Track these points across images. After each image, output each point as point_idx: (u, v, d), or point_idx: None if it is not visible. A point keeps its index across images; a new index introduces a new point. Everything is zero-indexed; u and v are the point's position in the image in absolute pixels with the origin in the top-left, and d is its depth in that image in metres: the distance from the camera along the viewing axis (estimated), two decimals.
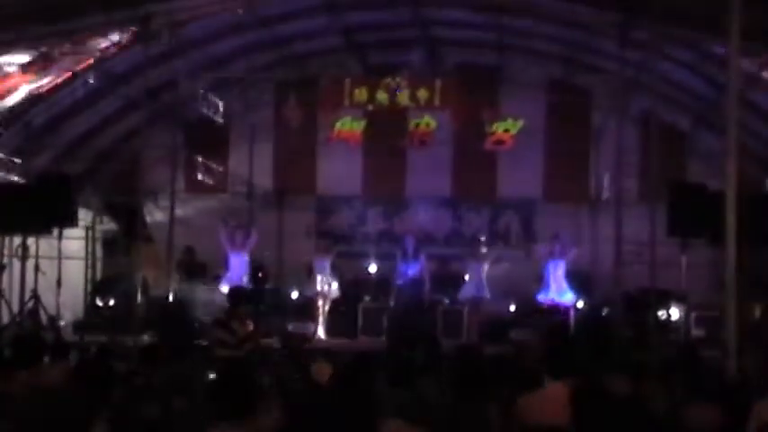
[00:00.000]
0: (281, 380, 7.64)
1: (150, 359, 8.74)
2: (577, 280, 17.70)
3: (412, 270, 17.85)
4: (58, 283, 16.33)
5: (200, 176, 20.57)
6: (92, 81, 16.92)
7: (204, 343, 13.21)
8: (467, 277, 17.81)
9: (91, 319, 18.19)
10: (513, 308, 18.27)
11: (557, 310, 17.24)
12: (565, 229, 18.34)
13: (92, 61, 16.42)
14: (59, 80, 16.55)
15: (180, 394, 7.22)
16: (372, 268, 18.98)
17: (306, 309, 17.91)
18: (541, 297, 17.36)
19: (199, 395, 7.01)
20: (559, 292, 17.15)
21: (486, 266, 17.61)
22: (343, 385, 5.75)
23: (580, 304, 17.71)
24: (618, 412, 4.89)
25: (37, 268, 15.99)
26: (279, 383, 7.29)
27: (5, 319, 16.31)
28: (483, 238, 18.34)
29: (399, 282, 17.98)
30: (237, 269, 17.73)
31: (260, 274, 18.16)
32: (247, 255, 17.94)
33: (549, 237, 18.09)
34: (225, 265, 18.00)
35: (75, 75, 16.59)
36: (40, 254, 16.31)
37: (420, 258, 17.93)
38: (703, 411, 5.79)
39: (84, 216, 18.25)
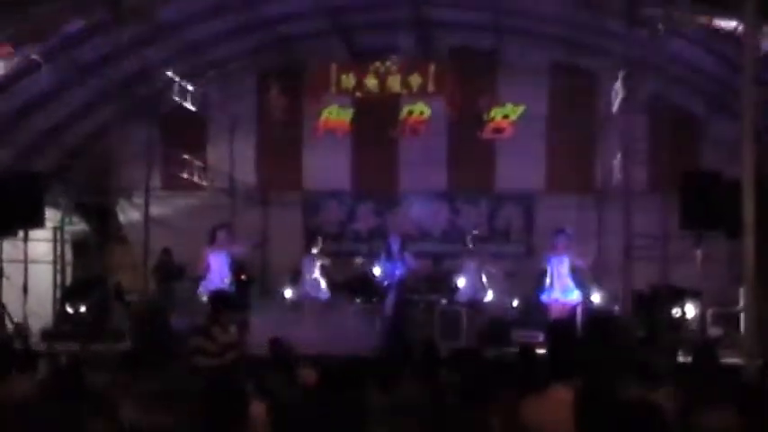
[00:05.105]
0: (267, 387, 7.65)
1: (126, 369, 8.73)
2: (583, 277, 17.69)
3: (398, 270, 17.78)
4: (25, 288, 16.30)
5: (177, 173, 20.55)
6: (59, 70, 16.90)
7: (183, 352, 13.19)
8: (462, 276, 17.80)
9: (61, 326, 18.18)
10: (514, 308, 18.28)
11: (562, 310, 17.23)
12: (569, 223, 18.32)
13: (59, 49, 16.39)
14: (24, 69, 16.52)
15: (159, 406, 7.21)
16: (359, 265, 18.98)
17: (293, 312, 17.90)
18: (545, 297, 17.33)
19: (179, 407, 7.00)
20: (564, 291, 17.12)
21: (483, 264, 17.63)
22: (331, 390, 5.78)
23: (601, 299, 17.72)
24: (627, 417, 4.89)
25: (0, 273, 15.97)
26: (265, 391, 7.30)
27: None
28: (476, 232, 18.37)
29: (386, 283, 17.90)
30: (218, 270, 17.64)
31: (243, 276, 18.12)
32: (228, 254, 17.83)
33: (551, 231, 18.04)
34: (205, 265, 17.92)
35: (40, 63, 16.56)
36: (4, 257, 16.29)
37: (405, 258, 17.82)
38: (720, 417, 5.81)
39: (52, 216, 18.23)
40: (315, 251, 18.21)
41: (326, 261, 18.23)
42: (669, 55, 16.64)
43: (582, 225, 19.15)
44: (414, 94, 18.96)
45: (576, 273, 17.30)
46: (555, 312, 16.99)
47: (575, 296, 17.06)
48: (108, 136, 19.30)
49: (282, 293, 18.71)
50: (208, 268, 17.07)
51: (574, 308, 17.06)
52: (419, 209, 20.54)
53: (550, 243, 17.44)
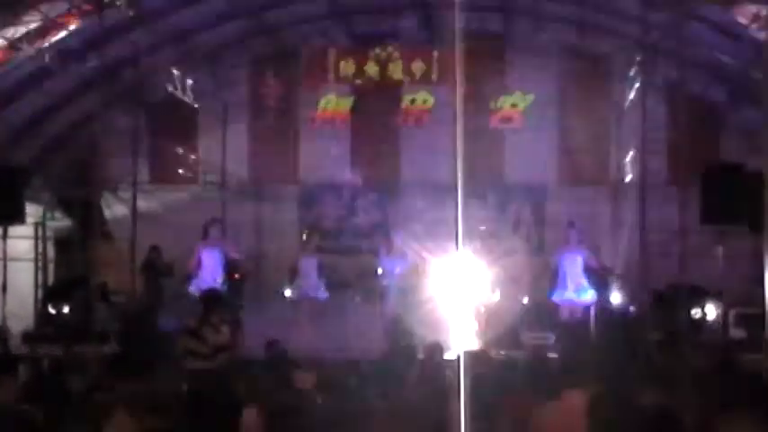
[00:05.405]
0: (262, 391, 7.67)
1: (112, 373, 8.73)
2: (597, 275, 17.65)
3: (400, 267, 17.74)
4: (4, 288, 16.30)
5: (165, 165, 20.54)
6: (40, 57, 16.88)
7: (173, 354, 13.19)
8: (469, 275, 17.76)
9: (43, 328, 18.15)
10: (524, 308, 18.25)
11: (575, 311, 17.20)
12: (583, 217, 18.29)
13: (41, 34, 16.38)
14: (2, 56, 16.52)
15: (147, 412, 7.22)
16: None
17: (290, 313, 17.90)
18: (557, 297, 17.30)
19: (168, 412, 7.02)
20: (577, 291, 17.08)
21: (492, 261, 17.62)
22: (330, 395, 5.81)
23: (616, 299, 17.70)
24: (645, 425, 4.90)
25: None
26: (259, 395, 7.32)
27: None
28: (483, 228, 18.36)
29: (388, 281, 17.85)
30: (210, 268, 17.60)
31: (236, 275, 18.11)
32: (222, 252, 17.79)
33: (563, 226, 17.99)
34: (196, 261, 17.87)
35: (20, 50, 16.55)
36: None
37: (408, 254, 17.75)
38: (742, 423, 5.80)
39: (32, 212, 18.20)
40: (311, 248, 18.21)
41: (323, 258, 18.23)
42: (688, 39, 16.61)
43: (596, 219, 19.15)
44: (417, 81, 18.97)
45: (590, 270, 17.27)
46: (567, 313, 16.99)
47: (589, 296, 17.03)
48: (92, 126, 19.23)
49: (278, 292, 18.68)
50: (199, 265, 17.06)
51: (587, 308, 17.04)
52: (423, 203, 20.49)
53: (562, 239, 17.42)
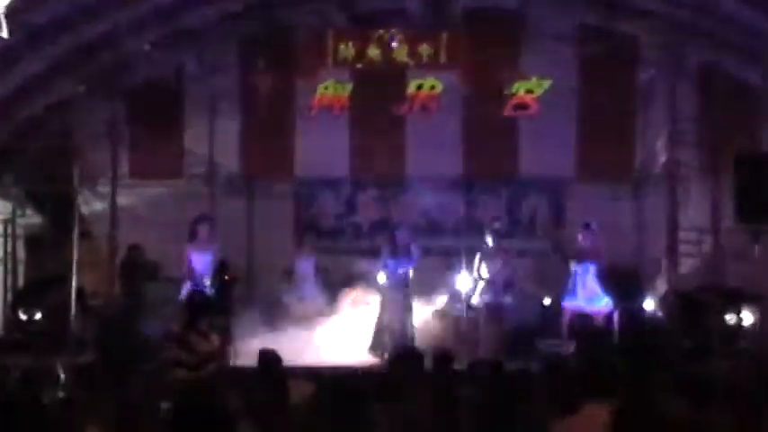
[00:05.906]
0: (255, 403, 7.66)
1: (88, 385, 8.72)
2: (619, 278, 17.58)
3: (402, 268, 17.68)
4: None
5: (148, 157, 20.51)
6: (6, 36, 16.85)
7: (157, 364, 13.18)
8: (479, 276, 17.78)
9: (12, 336, 18.18)
10: (542, 313, 18.23)
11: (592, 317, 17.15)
12: (605, 215, 18.20)
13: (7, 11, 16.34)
14: None
15: (127, 429, 7.22)
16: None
17: (285, 318, 17.91)
18: (567, 302, 17.25)
19: (150, 429, 7.02)
20: (589, 299, 17.00)
21: (504, 263, 17.64)
22: (328, 407, 5.78)
23: (642, 304, 17.65)
24: None
25: None
26: (252, 408, 7.31)
27: None
28: (497, 225, 18.34)
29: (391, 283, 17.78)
30: (200, 271, 17.55)
31: (226, 277, 18.08)
32: (212, 253, 17.73)
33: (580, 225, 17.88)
34: (187, 265, 17.81)
35: None
36: None
37: (413, 253, 17.69)
38: None
39: (1, 208, 18.20)
40: (308, 248, 18.22)
41: (321, 259, 18.24)
42: (721, 17, 16.56)
43: (619, 216, 19.10)
44: (423, 65, 18.94)
45: (606, 275, 17.20)
46: (580, 320, 16.95)
47: (602, 304, 16.95)
48: (67, 114, 19.20)
49: (272, 296, 18.69)
50: (191, 269, 16.97)
51: (610, 314, 17.00)
52: (430, 198, 20.46)
53: (575, 241, 17.33)
